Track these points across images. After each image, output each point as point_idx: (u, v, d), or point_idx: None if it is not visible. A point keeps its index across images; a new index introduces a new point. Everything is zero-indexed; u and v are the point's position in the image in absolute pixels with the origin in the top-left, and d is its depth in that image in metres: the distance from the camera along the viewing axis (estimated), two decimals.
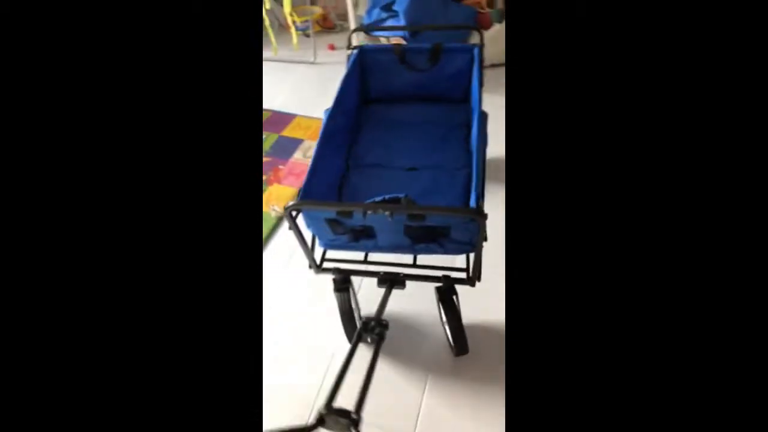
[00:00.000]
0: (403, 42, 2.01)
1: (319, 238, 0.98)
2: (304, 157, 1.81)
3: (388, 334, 0.96)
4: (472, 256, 1.00)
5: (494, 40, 1.99)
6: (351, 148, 1.29)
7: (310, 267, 1.03)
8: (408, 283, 1.02)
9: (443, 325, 1.18)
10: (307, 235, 0.96)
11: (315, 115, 1.97)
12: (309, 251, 0.97)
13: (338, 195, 1.16)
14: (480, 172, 0.89)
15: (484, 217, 0.80)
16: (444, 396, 1.11)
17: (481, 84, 1.20)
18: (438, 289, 1.03)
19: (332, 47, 2.36)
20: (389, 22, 1.93)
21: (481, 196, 0.85)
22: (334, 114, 1.11)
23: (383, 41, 2.21)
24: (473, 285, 0.99)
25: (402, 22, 1.86)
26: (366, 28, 1.95)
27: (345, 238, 0.93)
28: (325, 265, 1.05)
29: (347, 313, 1.11)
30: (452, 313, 1.06)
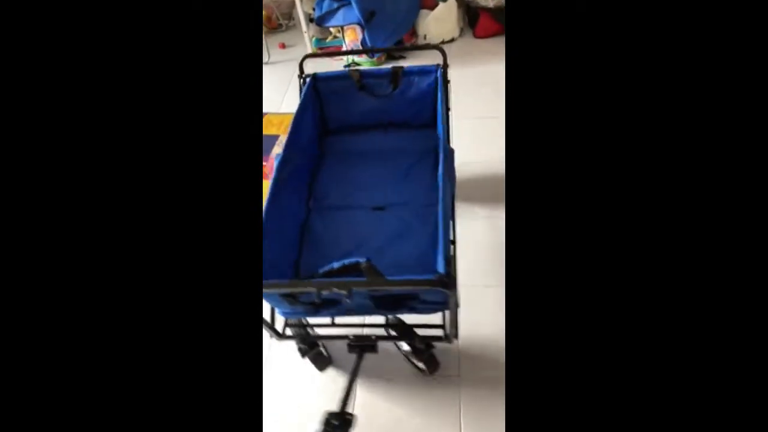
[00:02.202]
0: (359, 29, 1.98)
1: (278, 309, 0.87)
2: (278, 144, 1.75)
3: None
4: (447, 313, 0.91)
5: (440, 20, 2.07)
6: (311, 187, 1.18)
7: (271, 337, 0.92)
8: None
9: (407, 357, 1.07)
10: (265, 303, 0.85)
11: (283, 110, 1.93)
12: (269, 324, 0.86)
13: (299, 246, 1.06)
14: (446, 227, 0.79)
15: (453, 285, 0.70)
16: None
17: (447, 110, 1.10)
18: (412, 347, 0.93)
19: (282, 45, 2.39)
20: (341, 11, 1.96)
21: (448, 258, 0.75)
22: (287, 157, 1.00)
23: (333, 31, 2.17)
24: (450, 342, 0.90)
25: (354, 9, 1.89)
26: (317, 22, 1.99)
27: (302, 308, 0.82)
28: (288, 331, 0.94)
29: (325, 366, 1.01)
30: (428, 357, 0.97)
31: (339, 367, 1.12)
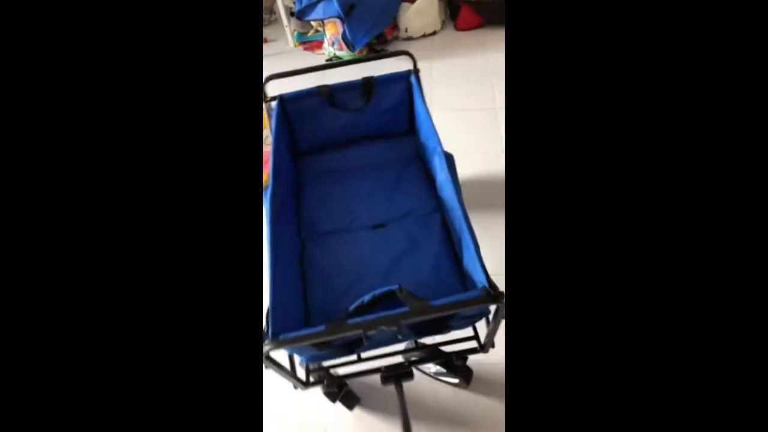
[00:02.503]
0: (339, 22, 1.96)
1: (300, 356, 0.79)
2: (268, 146, 1.66)
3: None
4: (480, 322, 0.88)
5: (421, 12, 2.09)
6: (299, 215, 1.09)
7: (296, 388, 0.83)
8: None
9: (436, 377, 1.03)
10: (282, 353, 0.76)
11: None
12: (291, 374, 0.78)
13: (302, 280, 0.97)
14: (472, 234, 0.76)
15: (503, 295, 0.67)
16: None
17: (429, 115, 1.07)
18: (446, 364, 0.89)
19: (265, 40, 2.37)
20: (321, 4, 1.94)
21: (485, 267, 0.72)
22: (276, 190, 0.91)
23: (314, 25, 2.15)
24: (486, 352, 0.87)
25: (334, 2, 1.88)
26: (298, 16, 1.99)
27: (333, 350, 0.75)
28: (313, 377, 0.86)
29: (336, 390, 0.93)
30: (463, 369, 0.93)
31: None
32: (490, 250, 1.09)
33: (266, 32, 2.40)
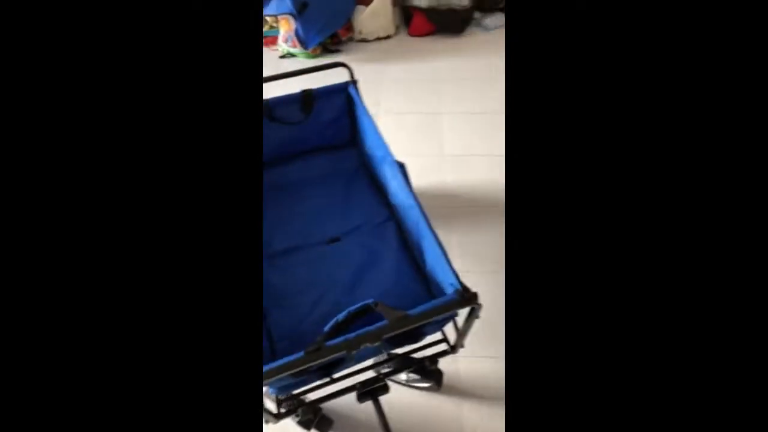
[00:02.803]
0: (292, 20, 1.92)
1: (269, 387, 0.74)
2: None
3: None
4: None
5: (376, 15, 2.10)
6: None
7: (267, 422, 0.78)
8: None
9: (408, 385, 1.04)
10: None
11: None
12: (263, 407, 0.72)
13: (262, 306, 0.91)
14: (437, 238, 0.77)
15: (476, 298, 0.69)
16: None
17: (374, 125, 1.08)
18: (418, 369, 0.90)
19: None
20: (273, 1, 1.92)
21: (454, 270, 0.73)
22: None
23: (269, 21, 2.07)
24: (456, 352, 0.89)
25: (287, 0, 1.88)
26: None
27: (309, 376, 0.72)
28: (283, 406, 0.81)
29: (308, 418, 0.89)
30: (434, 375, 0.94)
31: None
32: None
33: None
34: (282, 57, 2.09)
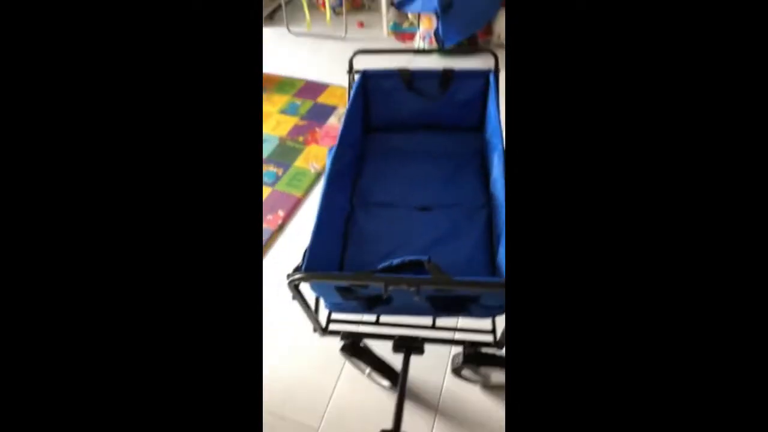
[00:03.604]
0: (434, 18, 2.03)
1: (325, 300, 0.85)
2: (338, 121, 1.94)
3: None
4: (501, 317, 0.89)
5: None
6: (355, 183, 1.16)
7: (315, 331, 0.90)
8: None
9: (490, 383, 1.04)
10: (311, 293, 0.83)
11: (346, 85, 2.01)
12: (313, 314, 0.85)
13: (343, 240, 1.04)
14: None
15: None
16: None
17: (499, 114, 1.09)
18: (462, 355, 0.91)
19: (361, 24, 2.52)
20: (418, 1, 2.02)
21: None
22: (340, 153, 0.99)
23: (410, 17, 2.25)
24: (501, 348, 0.88)
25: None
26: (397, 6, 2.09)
27: (355, 303, 0.81)
28: (332, 327, 0.93)
29: (378, 366, 0.98)
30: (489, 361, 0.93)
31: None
32: None
33: (363, 17, 2.56)
34: (417, 52, 2.16)
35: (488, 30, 2.15)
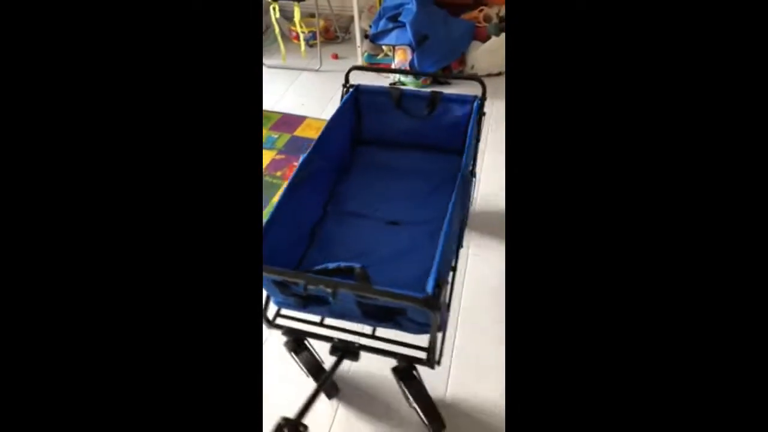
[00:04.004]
0: (409, 50, 2.08)
1: (272, 296, 0.90)
2: None
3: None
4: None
5: (491, 52, 2.17)
6: (333, 192, 1.21)
7: (263, 324, 0.95)
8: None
9: (410, 404, 1.06)
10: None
11: (323, 117, 2.05)
12: (261, 306, 0.89)
13: (309, 241, 1.09)
14: (446, 249, 0.79)
15: (437, 307, 0.70)
16: None
17: (476, 140, 1.11)
18: (394, 369, 0.93)
19: (335, 56, 2.51)
20: (395, 32, 2.07)
21: (441, 281, 0.75)
22: (311, 157, 1.04)
23: (385, 49, 2.28)
24: (432, 367, 0.88)
25: (408, 32, 2.01)
26: (372, 38, 2.12)
27: (292, 300, 0.85)
28: (279, 321, 0.97)
29: (315, 371, 1.01)
30: (416, 390, 0.95)
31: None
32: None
33: (339, 49, 2.55)
34: (392, 84, 2.13)
35: (462, 60, 2.20)
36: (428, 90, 1.22)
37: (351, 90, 1.24)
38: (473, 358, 1.17)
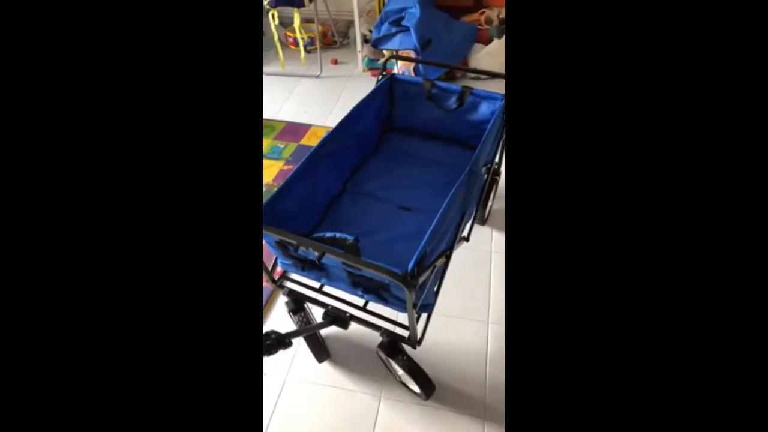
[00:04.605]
0: (412, 55, 2.06)
1: (278, 258, 0.98)
2: None
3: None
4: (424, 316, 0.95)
5: (492, 54, 2.15)
6: (355, 171, 1.28)
7: (267, 282, 1.04)
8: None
9: (397, 379, 1.11)
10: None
11: (328, 124, 1.99)
12: (267, 268, 0.98)
13: (323, 215, 1.16)
14: (435, 233, 0.83)
15: (413, 285, 0.74)
16: None
17: (500, 138, 1.12)
18: (380, 345, 0.98)
19: (335, 62, 2.47)
20: (399, 36, 2.04)
21: (424, 262, 0.79)
22: (332, 137, 1.11)
23: (386, 54, 2.24)
24: (413, 347, 0.93)
25: (412, 37, 1.97)
26: (374, 43, 2.09)
27: (291, 262, 0.93)
28: (283, 282, 1.06)
29: (310, 335, 1.10)
30: (404, 362, 1.00)
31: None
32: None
33: (338, 54, 2.48)
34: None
35: (464, 63, 2.15)
36: (459, 85, 1.24)
37: (385, 79, 1.29)
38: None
